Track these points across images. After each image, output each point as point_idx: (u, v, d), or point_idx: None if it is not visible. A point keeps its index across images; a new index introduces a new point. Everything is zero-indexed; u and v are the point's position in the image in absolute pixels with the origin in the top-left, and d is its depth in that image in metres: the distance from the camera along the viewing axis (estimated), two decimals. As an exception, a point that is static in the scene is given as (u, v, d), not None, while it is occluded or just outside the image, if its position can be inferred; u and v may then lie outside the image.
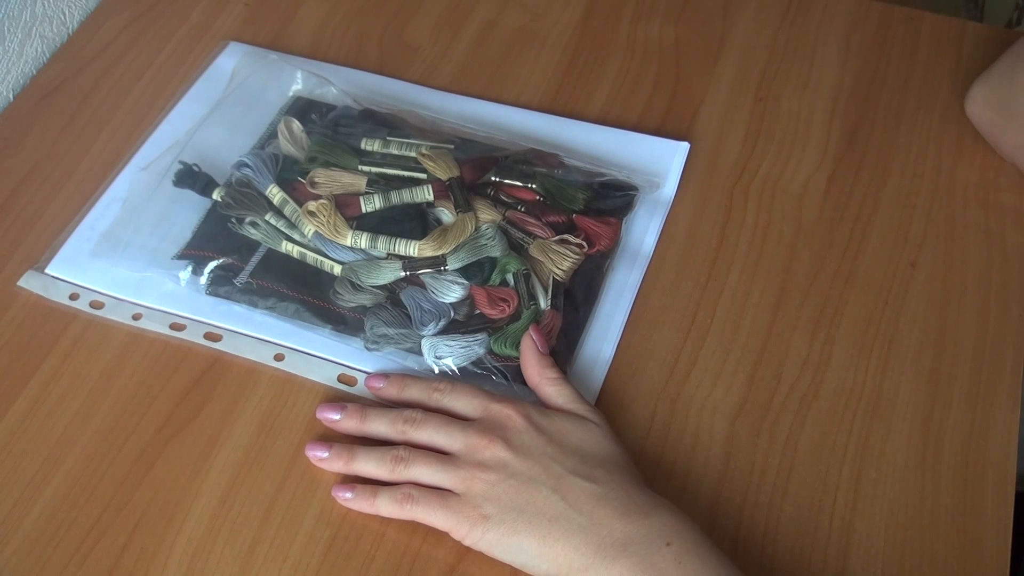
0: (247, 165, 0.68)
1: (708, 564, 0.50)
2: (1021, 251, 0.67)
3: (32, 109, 0.77)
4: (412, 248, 0.64)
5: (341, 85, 0.75)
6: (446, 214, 0.66)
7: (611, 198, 0.69)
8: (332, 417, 0.59)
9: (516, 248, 0.65)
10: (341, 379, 0.62)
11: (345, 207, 0.66)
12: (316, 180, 0.68)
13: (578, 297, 0.64)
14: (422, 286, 0.63)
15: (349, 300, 0.63)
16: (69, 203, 0.71)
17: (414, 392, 0.60)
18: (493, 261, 0.64)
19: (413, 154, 0.69)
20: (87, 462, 0.59)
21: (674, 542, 0.51)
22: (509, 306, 0.62)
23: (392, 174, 0.69)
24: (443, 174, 0.67)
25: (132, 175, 0.72)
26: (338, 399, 0.61)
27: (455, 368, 0.61)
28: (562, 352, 0.62)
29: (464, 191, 0.66)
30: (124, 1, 0.84)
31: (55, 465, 0.59)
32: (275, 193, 0.67)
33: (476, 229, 0.65)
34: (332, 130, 0.72)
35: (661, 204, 0.70)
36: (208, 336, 0.64)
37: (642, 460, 0.58)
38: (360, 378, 0.62)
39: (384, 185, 0.68)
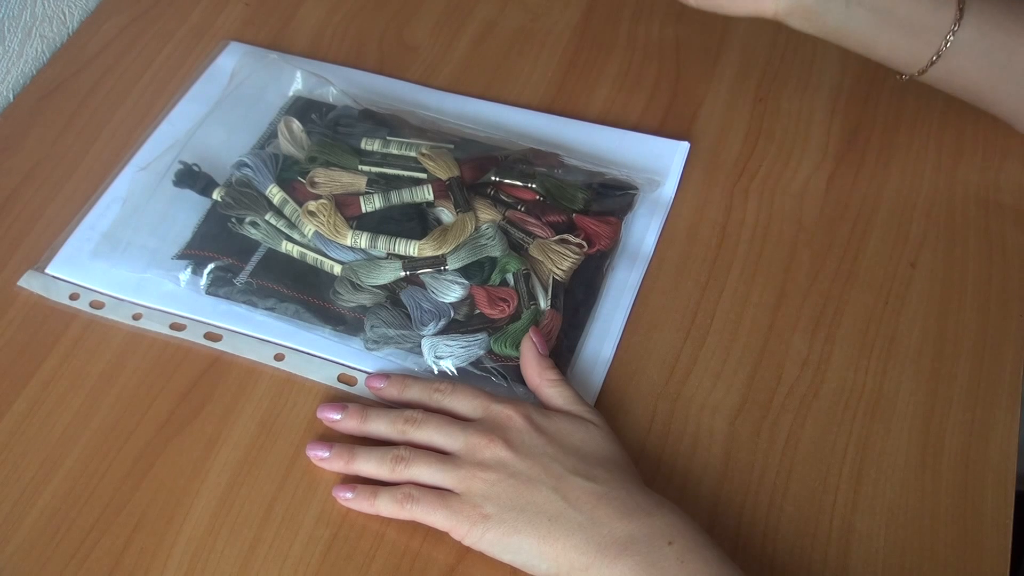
0: (247, 165, 0.68)
1: (711, 563, 0.50)
2: (1021, 251, 0.67)
3: (32, 109, 0.77)
4: (412, 248, 0.64)
5: (341, 85, 0.75)
6: (446, 214, 0.66)
7: (611, 198, 0.69)
8: (333, 417, 0.59)
9: (516, 248, 0.65)
10: (341, 379, 0.62)
11: (345, 207, 0.66)
12: (316, 180, 0.68)
13: (578, 297, 0.64)
14: (422, 286, 0.63)
15: (349, 300, 0.63)
16: (69, 203, 0.71)
17: (415, 392, 0.60)
18: (493, 261, 0.64)
19: (413, 154, 0.69)
20: (87, 462, 0.59)
21: (676, 541, 0.51)
22: (509, 306, 0.62)
23: (392, 174, 0.69)
24: (443, 174, 0.67)
25: (132, 175, 0.72)
26: (338, 399, 0.61)
27: (454, 369, 0.61)
28: (562, 352, 0.62)
29: (464, 191, 0.66)
30: (124, 1, 0.84)
31: (55, 465, 0.59)
32: (275, 193, 0.67)
33: (476, 229, 0.65)
34: (332, 130, 0.72)
35: (661, 204, 0.70)
36: (208, 336, 0.64)
37: (642, 460, 0.58)
38: (360, 378, 0.62)
39: (384, 185, 0.68)
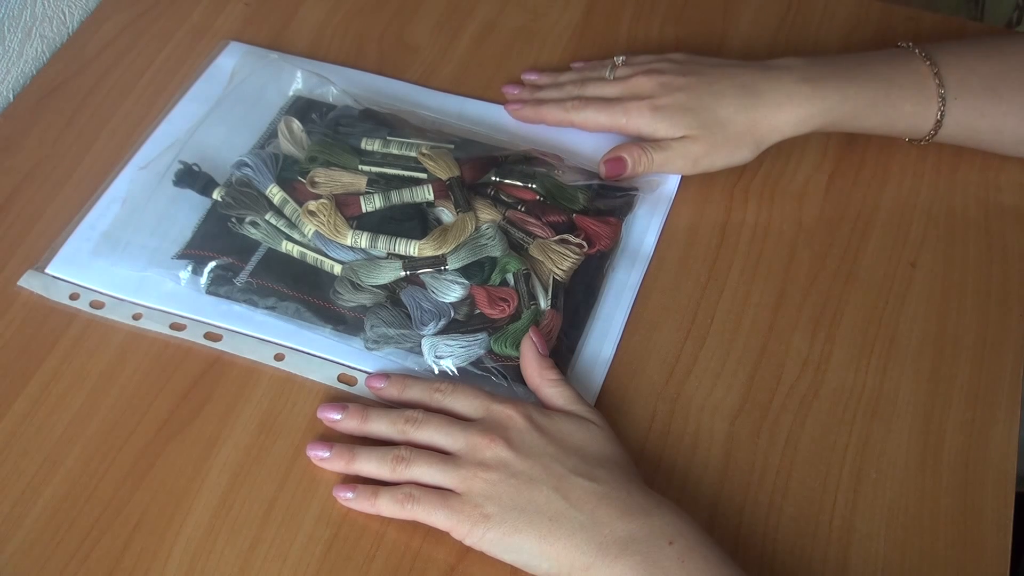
0: (247, 165, 0.68)
1: (711, 562, 0.50)
2: (1021, 251, 0.67)
3: (32, 109, 0.77)
4: (412, 248, 0.64)
5: (341, 85, 0.75)
6: (446, 214, 0.66)
7: (611, 198, 0.69)
8: (333, 417, 0.59)
9: (516, 248, 0.65)
10: (341, 379, 0.62)
11: (345, 207, 0.66)
12: (316, 180, 0.68)
13: (578, 297, 0.64)
14: (422, 286, 0.64)
15: (349, 300, 0.63)
16: (69, 203, 0.71)
17: (415, 392, 0.60)
18: (493, 261, 0.64)
19: (413, 154, 0.69)
20: (87, 462, 0.59)
21: (676, 541, 0.51)
22: (509, 306, 0.62)
23: (392, 174, 0.69)
24: (443, 174, 0.67)
25: (132, 175, 0.71)
26: (338, 399, 0.61)
27: (454, 369, 0.61)
28: (562, 352, 0.62)
29: (464, 191, 0.66)
30: (124, 1, 0.84)
31: (55, 465, 0.59)
32: (275, 193, 0.67)
33: (476, 229, 0.65)
34: (332, 130, 0.72)
35: (661, 204, 0.70)
36: (208, 336, 0.64)
37: (642, 460, 0.58)
38: (360, 378, 0.62)
39: (384, 185, 0.68)
